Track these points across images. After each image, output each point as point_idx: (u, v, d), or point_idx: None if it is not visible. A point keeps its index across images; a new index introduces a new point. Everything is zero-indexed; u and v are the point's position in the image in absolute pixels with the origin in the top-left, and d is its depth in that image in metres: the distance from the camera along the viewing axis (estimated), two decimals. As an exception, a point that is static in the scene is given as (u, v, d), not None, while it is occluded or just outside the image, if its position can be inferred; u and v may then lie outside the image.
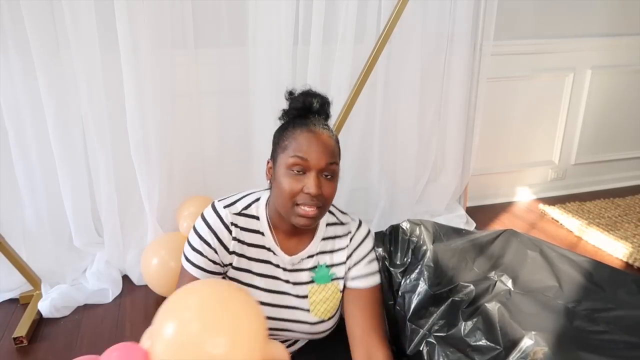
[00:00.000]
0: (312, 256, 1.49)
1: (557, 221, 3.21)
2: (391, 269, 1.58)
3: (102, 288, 2.43)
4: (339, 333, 1.53)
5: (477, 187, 3.33)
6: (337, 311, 1.53)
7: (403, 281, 1.54)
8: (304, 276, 1.49)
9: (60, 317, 2.31)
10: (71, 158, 2.42)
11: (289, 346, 1.58)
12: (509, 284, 1.47)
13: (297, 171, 1.34)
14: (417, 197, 3.10)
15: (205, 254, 1.41)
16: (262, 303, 1.45)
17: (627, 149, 3.66)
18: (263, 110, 2.59)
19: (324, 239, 1.50)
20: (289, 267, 1.48)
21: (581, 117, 3.45)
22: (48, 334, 2.21)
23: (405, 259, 1.57)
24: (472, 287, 1.44)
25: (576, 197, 3.52)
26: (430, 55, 2.82)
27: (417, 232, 1.59)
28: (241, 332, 0.99)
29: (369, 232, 1.58)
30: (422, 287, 1.49)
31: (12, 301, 2.41)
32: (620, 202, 3.42)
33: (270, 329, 1.42)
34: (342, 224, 1.54)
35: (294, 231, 1.46)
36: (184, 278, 1.44)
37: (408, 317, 1.49)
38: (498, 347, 1.27)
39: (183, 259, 1.45)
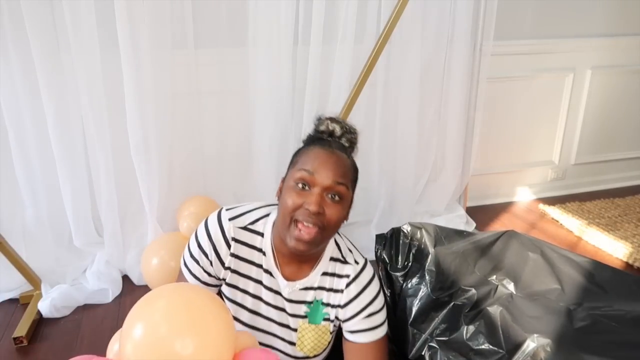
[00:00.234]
0: (311, 289, 1.42)
1: (557, 221, 3.21)
2: (392, 273, 1.58)
3: (102, 288, 2.43)
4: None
5: (477, 187, 3.33)
6: (324, 350, 1.48)
7: (404, 285, 1.54)
8: (300, 309, 1.43)
9: (60, 317, 2.30)
10: (71, 158, 2.42)
11: None
12: (511, 287, 1.47)
13: (302, 186, 1.28)
14: (417, 197, 3.10)
15: (201, 263, 1.38)
16: (246, 325, 1.43)
17: (627, 149, 3.66)
18: (263, 110, 2.59)
19: (324, 273, 1.41)
20: (286, 295, 1.41)
21: (581, 117, 3.45)
22: (48, 334, 2.21)
23: (407, 263, 1.56)
24: (473, 290, 1.44)
25: (576, 197, 3.53)
26: (430, 55, 2.81)
27: (419, 235, 1.59)
28: (209, 333, 1.00)
29: (371, 278, 1.43)
30: (424, 291, 1.49)
31: (12, 301, 2.41)
32: (620, 202, 3.43)
33: None
34: (344, 262, 1.43)
35: (295, 256, 1.37)
36: (181, 281, 1.43)
37: (410, 321, 1.49)
38: (501, 350, 1.28)
39: (182, 262, 1.43)
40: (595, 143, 3.57)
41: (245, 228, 1.39)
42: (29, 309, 2.29)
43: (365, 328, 1.41)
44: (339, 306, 1.42)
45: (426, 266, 1.52)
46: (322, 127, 1.41)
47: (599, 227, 3.05)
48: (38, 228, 2.51)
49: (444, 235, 1.62)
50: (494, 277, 1.50)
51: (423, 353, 1.43)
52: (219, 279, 1.42)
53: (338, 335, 1.51)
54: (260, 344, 1.40)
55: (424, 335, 1.45)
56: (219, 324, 1.03)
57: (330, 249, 1.43)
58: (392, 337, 1.56)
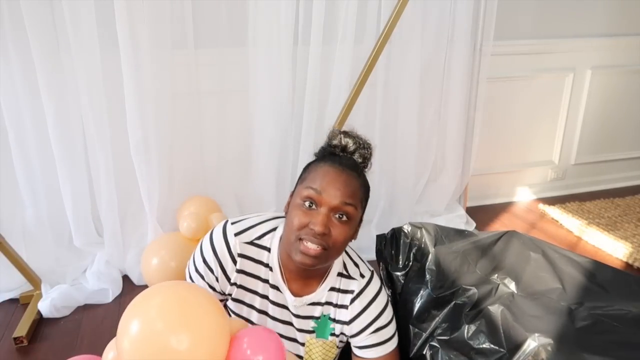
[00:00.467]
0: (319, 304, 1.40)
1: (557, 221, 3.21)
2: (393, 272, 1.58)
3: (102, 288, 2.43)
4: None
5: (477, 187, 3.33)
6: None
7: (405, 285, 1.54)
8: (308, 324, 1.42)
9: (60, 317, 2.30)
10: (71, 158, 2.42)
11: None
12: (512, 286, 1.47)
13: (309, 205, 1.24)
14: (417, 197, 3.10)
15: (207, 279, 1.36)
16: None
17: (626, 149, 3.66)
18: (263, 110, 2.59)
19: (332, 288, 1.39)
20: (293, 310, 1.40)
21: (581, 117, 3.45)
22: (48, 334, 2.21)
23: (407, 262, 1.56)
24: (474, 290, 1.44)
25: (576, 197, 3.53)
26: (430, 55, 2.81)
27: (419, 235, 1.59)
28: (204, 328, 1.01)
29: (377, 293, 1.41)
30: (425, 290, 1.49)
31: (12, 301, 2.41)
32: (620, 202, 3.43)
33: None
34: (349, 277, 1.40)
35: (303, 271, 1.34)
36: None
37: (411, 320, 1.49)
38: (502, 349, 1.28)
39: (187, 275, 1.41)
40: (595, 143, 3.57)
41: (251, 243, 1.36)
42: (29, 309, 2.29)
43: (374, 343, 1.39)
44: (344, 323, 1.41)
45: (427, 265, 1.52)
46: (335, 141, 1.36)
47: (599, 227, 3.05)
48: (38, 228, 2.51)
49: (445, 234, 1.62)
50: (495, 276, 1.50)
51: (424, 352, 1.43)
52: (224, 294, 1.40)
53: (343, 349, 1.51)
54: None
55: (424, 335, 1.45)
56: (213, 319, 1.04)
57: (338, 265, 1.40)
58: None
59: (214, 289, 1.38)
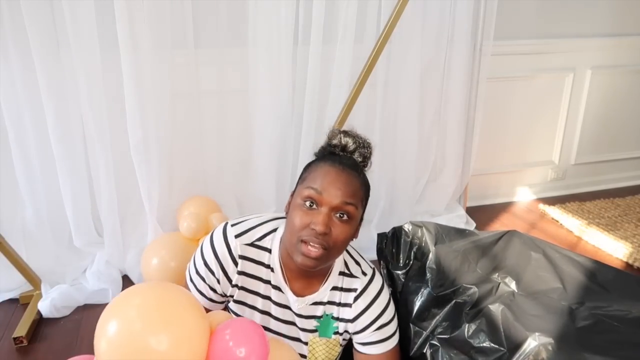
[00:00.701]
0: (321, 304, 1.40)
1: (557, 221, 3.21)
2: (394, 271, 1.57)
3: (102, 288, 2.42)
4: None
5: (477, 187, 3.33)
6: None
7: (405, 283, 1.54)
8: (311, 323, 1.42)
9: (60, 317, 2.30)
10: (71, 158, 2.42)
11: None
12: (513, 285, 1.47)
13: (310, 205, 1.24)
14: (417, 197, 3.10)
15: (207, 281, 1.36)
16: None
17: (627, 149, 3.67)
18: (263, 110, 2.59)
19: (334, 288, 1.39)
20: (295, 310, 1.40)
21: (581, 117, 3.45)
22: (48, 334, 2.20)
23: (408, 261, 1.56)
24: (475, 288, 1.44)
25: (576, 197, 3.53)
26: (430, 55, 2.81)
27: (419, 234, 1.59)
28: (183, 329, 1.00)
29: (380, 290, 1.41)
30: (425, 289, 1.49)
31: (12, 301, 2.40)
32: (620, 202, 3.43)
33: None
34: (351, 276, 1.40)
35: (304, 272, 1.34)
36: None
37: (411, 319, 1.49)
38: (502, 348, 1.28)
39: (187, 278, 1.41)
40: (595, 143, 3.57)
41: (252, 244, 1.36)
42: (29, 309, 2.29)
43: (377, 340, 1.40)
44: (348, 320, 1.41)
45: (427, 264, 1.52)
46: (335, 141, 1.36)
47: (599, 227, 3.05)
48: (38, 228, 2.51)
49: (445, 233, 1.62)
50: (496, 275, 1.50)
51: (424, 351, 1.43)
52: (225, 295, 1.40)
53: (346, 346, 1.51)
54: None
55: (425, 333, 1.45)
56: (192, 318, 1.03)
57: (339, 264, 1.40)
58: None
59: (214, 291, 1.38)
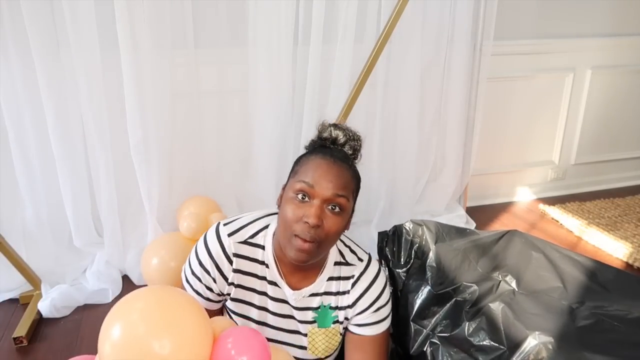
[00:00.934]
0: (317, 295, 1.40)
1: (557, 221, 3.21)
2: (394, 269, 1.57)
3: (102, 288, 2.43)
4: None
5: (477, 187, 3.33)
6: (335, 350, 1.48)
7: (406, 281, 1.54)
8: (308, 315, 1.42)
9: (60, 317, 2.30)
10: (71, 158, 2.42)
11: None
12: (513, 284, 1.47)
13: (302, 198, 1.25)
14: (417, 197, 3.10)
15: (204, 281, 1.37)
16: None
17: (627, 149, 3.67)
18: (263, 110, 2.59)
19: (330, 278, 1.40)
20: (292, 303, 1.40)
21: (581, 117, 3.45)
22: (48, 334, 2.21)
23: (408, 260, 1.56)
24: (475, 287, 1.44)
25: (576, 197, 3.53)
26: (430, 55, 2.81)
27: (420, 232, 1.59)
28: (186, 332, 1.01)
29: (377, 273, 1.43)
30: (425, 287, 1.49)
31: (12, 301, 2.40)
32: (620, 202, 3.43)
33: None
34: (347, 264, 1.42)
35: (299, 265, 1.34)
36: None
37: (411, 317, 1.49)
38: (502, 347, 1.27)
39: (183, 278, 1.42)
40: (596, 143, 3.57)
41: (245, 242, 1.37)
42: (29, 309, 2.29)
43: (372, 321, 1.41)
44: (348, 307, 1.42)
45: (427, 262, 1.52)
46: (325, 134, 1.37)
47: (599, 227, 3.05)
48: (38, 228, 2.51)
49: (446, 232, 1.62)
50: (496, 274, 1.50)
51: (424, 349, 1.43)
52: (222, 294, 1.40)
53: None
54: None
55: (425, 331, 1.45)
56: (195, 323, 1.04)
57: (334, 254, 1.41)
58: (393, 333, 1.56)
59: (211, 290, 1.39)
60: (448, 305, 1.45)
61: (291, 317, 1.43)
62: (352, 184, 1.31)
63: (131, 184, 2.50)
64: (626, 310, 1.37)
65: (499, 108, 3.22)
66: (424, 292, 1.48)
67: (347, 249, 1.44)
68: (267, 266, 1.38)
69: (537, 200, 3.52)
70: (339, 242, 1.44)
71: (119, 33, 2.22)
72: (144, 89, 2.35)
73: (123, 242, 2.59)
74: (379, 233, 1.68)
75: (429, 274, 1.50)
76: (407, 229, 1.60)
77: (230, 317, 1.45)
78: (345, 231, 1.36)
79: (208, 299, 1.41)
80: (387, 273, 1.61)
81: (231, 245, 1.35)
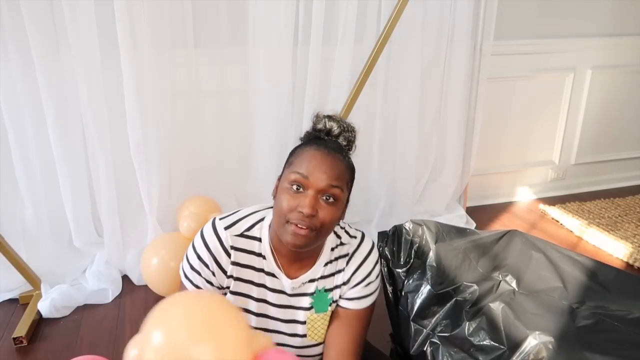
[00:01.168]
0: (314, 280, 1.41)
1: (557, 221, 3.21)
2: (394, 269, 1.57)
3: (102, 288, 2.43)
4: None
5: (477, 187, 3.33)
6: None
7: (406, 281, 1.54)
8: (305, 301, 1.43)
9: (60, 317, 2.30)
10: (71, 158, 2.42)
11: None
12: (513, 284, 1.47)
13: (296, 188, 1.27)
14: (417, 197, 3.10)
15: (203, 274, 1.37)
16: (255, 329, 1.41)
17: (627, 149, 3.67)
18: (263, 110, 2.59)
19: (327, 263, 1.42)
20: (289, 291, 1.41)
21: (581, 117, 3.45)
22: (48, 334, 2.21)
23: (409, 259, 1.56)
24: (475, 287, 1.44)
25: (576, 197, 3.53)
26: (430, 55, 2.82)
27: (420, 232, 1.59)
28: (226, 339, 1.01)
29: (370, 249, 1.45)
30: (425, 287, 1.49)
31: (12, 301, 2.41)
32: (621, 202, 3.43)
33: None
34: (341, 244, 1.44)
35: (296, 254, 1.36)
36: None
37: (411, 317, 1.49)
38: (502, 347, 1.27)
39: (182, 274, 1.42)
40: (596, 143, 3.57)
41: (242, 235, 1.38)
42: (29, 309, 2.29)
43: (362, 295, 1.43)
44: (343, 284, 1.43)
45: (427, 262, 1.51)
46: (320, 125, 1.38)
47: (599, 227, 3.05)
48: (38, 228, 2.51)
49: (446, 232, 1.62)
50: (497, 274, 1.50)
51: (424, 349, 1.43)
52: (222, 287, 1.41)
53: None
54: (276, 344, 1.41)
55: (425, 331, 1.45)
56: (236, 330, 1.04)
57: (331, 240, 1.43)
58: (393, 333, 1.56)
59: (211, 284, 1.39)
60: (448, 305, 1.45)
61: (289, 306, 1.44)
62: (346, 174, 1.32)
63: (131, 184, 2.50)
64: (626, 310, 1.37)
65: (499, 108, 3.22)
66: (424, 292, 1.48)
67: (342, 230, 1.46)
68: (264, 258, 1.39)
69: (537, 200, 3.52)
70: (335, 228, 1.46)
71: (118, 33, 2.22)
72: (143, 88, 2.35)
73: (123, 242, 2.59)
74: (379, 233, 1.67)
75: (429, 273, 1.50)
76: (407, 228, 1.60)
77: None
78: (341, 221, 1.38)
79: None
80: (388, 276, 1.61)
81: (228, 238, 1.36)
